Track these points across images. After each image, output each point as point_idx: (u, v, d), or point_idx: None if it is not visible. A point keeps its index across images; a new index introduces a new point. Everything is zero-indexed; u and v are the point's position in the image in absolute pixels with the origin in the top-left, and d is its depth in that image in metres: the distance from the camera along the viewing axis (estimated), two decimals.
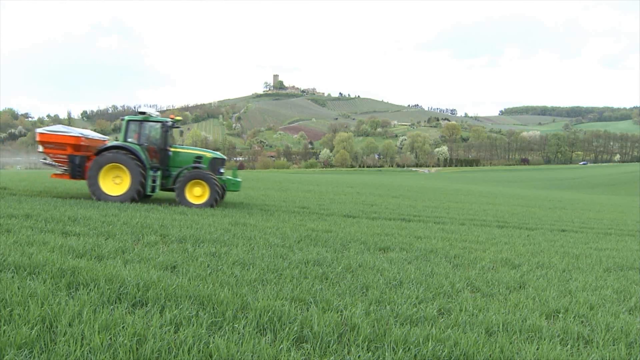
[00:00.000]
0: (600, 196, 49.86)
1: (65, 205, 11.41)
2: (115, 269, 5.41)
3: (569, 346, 4.24)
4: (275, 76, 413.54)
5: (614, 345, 4.35)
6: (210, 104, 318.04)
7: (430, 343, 3.94)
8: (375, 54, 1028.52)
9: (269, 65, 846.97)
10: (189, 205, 12.95)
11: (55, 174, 14.23)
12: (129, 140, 13.69)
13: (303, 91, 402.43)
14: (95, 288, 4.67)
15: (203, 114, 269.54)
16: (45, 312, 3.93)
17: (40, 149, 13.70)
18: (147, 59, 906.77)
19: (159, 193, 15.94)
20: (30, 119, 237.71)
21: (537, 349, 4.07)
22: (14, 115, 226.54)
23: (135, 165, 13.05)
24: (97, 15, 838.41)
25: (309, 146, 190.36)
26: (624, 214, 23.60)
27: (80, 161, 13.51)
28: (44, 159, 14.19)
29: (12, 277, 4.91)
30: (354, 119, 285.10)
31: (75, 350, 3.34)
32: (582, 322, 5.02)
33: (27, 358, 3.27)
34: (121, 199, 12.96)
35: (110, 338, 3.58)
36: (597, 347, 4.26)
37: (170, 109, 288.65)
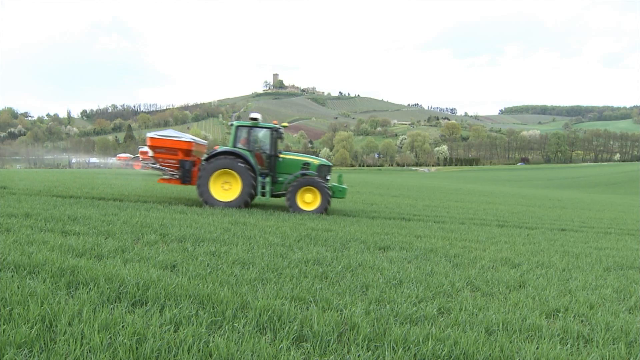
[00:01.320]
0: (600, 195, 49.85)
1: (65, 204, 11.40)
2: (115, 268, 5.41)
3: (568, 345, 4.24)
4: (275, 75, 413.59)
5: (613, 344, 4.35)
6: (210, 103, 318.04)
7: (430, 342, 3.94)
8: (376, 54, 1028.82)
9: (269, 64, 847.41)
10: (300, 211, 13.06)
11: (163, 179, 14.28)
12: (238, 146, 13.68)
13: (303, 90, 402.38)
14: (95, 287, 4.67)
15: (203, 113, 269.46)
16: (45, 312, 3.93)
17: (150, 153, 13.75)
18: (147, 58, 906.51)
19: (152, 193, 15.93)
20: (29, 118, 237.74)
21: (537, 348, 4.07)
22: (13, 114, 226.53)
23: (247, 171, 13.06)
24: (97, 15, 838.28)
25: (309, 145, 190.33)
26: (623, 213, 23.60)
27: (190, 166, 13.62)
28: (153, 163, 14.19)
29: (12, 276, 4.91)
30: (353, 118, 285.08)
31: (75, 350, 3.34)
32: (581, 321, 5.02)
33: (26, 357, 3.26)
34: (232, 204, 12.97)
35: (110, 337, 3.57)
36: (597, 347, 4.26)
37: (169, 108, 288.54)
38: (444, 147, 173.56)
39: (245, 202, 13.12)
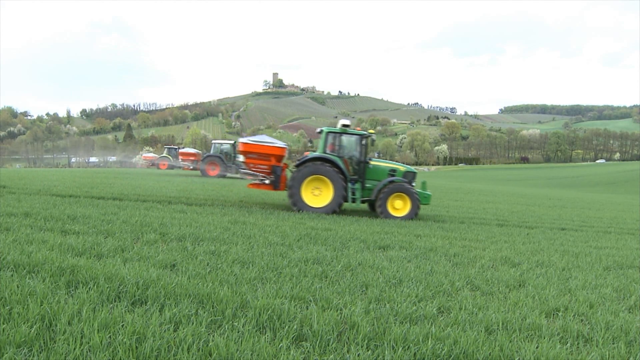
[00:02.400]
0: (600, 194, 49.88)
1: (65, 203, 11.40)
2: (115, 268, 5.41)
3: (568, 345, 4.24)
4: (275, 74, 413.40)
5: (613, 343, 4.35)
6: (210, 102, 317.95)
7: (429, 341, 3.94)
8: (376, 53, 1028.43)
9: (269, 64, 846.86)
10: (391, 217, 13.17)
11: (253, 184, 14.30)
12: (328, 152, 13.76)
13: (303, 89, 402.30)
14: (95, 286, 4.67)
15: (202, 112, 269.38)
16: (45, 311, 3.92)
17: (241, 158, 13.79)
18: (147, 57, 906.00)
19: (152, 193, 15.92)
20: (29, 118, 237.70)
21: (537, 348, 4.07)
22: (13, 113, 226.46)
23: (339, 177, 13.16)
24: (97, 14, 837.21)
25: (309, 144, 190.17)
26: (623, 213, 23.61)
27: (280, 172, 13.75)
28: (243, 168, 14.26)
29: (12, 275, 4.91)
30: (353, 117, 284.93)
31: (74, 349, 3.33)
32: (581, 320, 5.02)
33: (26, 356, 3.26)
34: (323, 210, 13.07)
35: (110, 336, 3.57)
36: (597, 346, 4.27)
37: (169, 107, 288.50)
38: (444, 147, 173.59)
39: (335, 209, 13.27)
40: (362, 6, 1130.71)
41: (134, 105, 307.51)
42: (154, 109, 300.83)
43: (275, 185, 13.75)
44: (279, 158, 13.77)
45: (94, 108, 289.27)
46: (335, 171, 13.17)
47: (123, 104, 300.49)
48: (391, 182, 13.55)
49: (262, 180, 13.96)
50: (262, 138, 14.11)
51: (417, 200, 13.40)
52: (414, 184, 14.22)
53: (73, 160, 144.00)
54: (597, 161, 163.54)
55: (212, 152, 35.61)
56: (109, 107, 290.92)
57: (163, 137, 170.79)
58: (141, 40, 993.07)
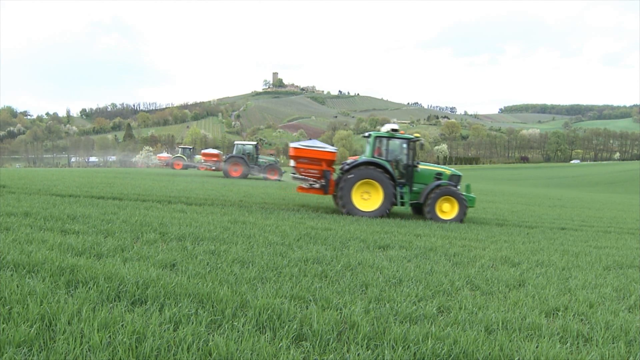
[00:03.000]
0: (600, 194, 49.88)
1: (64, 203, 11.40)
2: (115, 267, 5.41)
3: (568, 344, 4.24)
4: (275, 74, 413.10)
5: (613, 343, 4.35)
6: (210, 102, 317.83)
7: (429, 341, 3.94)
8: (376, 52, 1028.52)
9: (269, 63, 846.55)
10: (439, 220, 13.32)
11: (303, 188, 14.42)
12: (377, 156, 13.92)
13: (302, 89, 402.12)
14: (95, 286, 4.67)
15: (202, 112, 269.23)
16: (45, 311, 3.92)
17: (292, 163, 13.94)
18: (147, 57, 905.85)
19: (151, 192, 15.92)
20: (29, 117, 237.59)
21: (537, 347, 4.07)
22: (12, 113, 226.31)
23: (388, 181, 13.34)
24: (97, 14, 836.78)
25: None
26: (623, 212, 23.62)
27: (330, 176, 13.90)
28: (293, 173, 14.35)
29: (11, 275, 4.90)
30: (353, 117, 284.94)
31: (74, 349, 3.33)
32: (581, 320, 5.02)
33: (26, 356, 3.26)
34: (373, 214, 13.22)
35: (110, 336, 3.57)
36: (597, 345, 4.27)
37: (169, 107, 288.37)
38: (444, 146, 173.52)
39: (386, 211, 13.41)
40: (363, 6, 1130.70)
41: (133, 105, 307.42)
42: (153, 108, 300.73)
43: (325, 190, 13.97)
44: (330, 163, 13.96)
45: (94, 108, 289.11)
46: (385, 175, 13.39)
47: (123, 104, 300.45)
48: (439, 185, 13.76)
49: (312, 184, 14.15)
50: (313, 143, 14.33)
51: (465, 204, 13.63)
52: (458, 187, 14.40)
53: (73, 160, 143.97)
54: (572, 161, 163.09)
55: (234, 152, 35.53)
56: (109, 107, 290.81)
57: (163, 136, 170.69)
58: (141, 40, 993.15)
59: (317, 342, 3.83)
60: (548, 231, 13.10)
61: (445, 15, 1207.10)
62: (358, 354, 3.65)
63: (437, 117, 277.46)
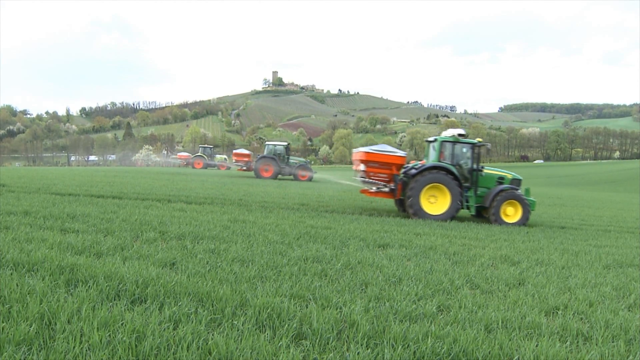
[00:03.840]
0: (599, 193, 49.90)
1: (64, 202, 11.39)
2: (114, 266, 5.40)
3: (568, 343, 4.24)
4: (275, 73, 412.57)
5: (613, 342, 4.35)
6: (209, 100, 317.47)
7: (429, 340, 3.94)
8: (376, 51, 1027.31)
9: (269, 62, 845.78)
10: (504, 223, 13.59)
11: (370, 192, 14.56)
12: (443, 160, 14.13)
13: (302, 88, 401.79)
14: (94, 285, 4.67)
15: (202, 110, 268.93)
16: (44, 309, 3.92)
17: (362, 167, 14.09)
18: (147, 56, 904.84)
19: (151, 192, 15.91)
20: (28, 116, 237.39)
21: (537, 346, 4.07)
22: (12, 112, 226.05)
23: (456, 185, 13.57)
24: (97, 13, 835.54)
25: (308, 143, 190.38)
26: (623, 211, 23.63)
27: (399, 180, 14.11)
28: (362, 176, 14.47)
29: (11, 274, 4.90)
30: (353, 115, 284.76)
31: (74, 347, 3.33)
32: (581, 319, 5.02)
33: (26, 355, 3.26)
34: (441, 217, 13.44)
35: (109, 335, 3.57)
36: (596, 344, 4.27)
37: (169, 106, 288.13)
38: None
39: (453, 215, 13.63)
40: (363, 5, 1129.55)
41: (133, 104, 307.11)
42: (153, 107, 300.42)
43: (395, 194, 14.18)
44: (399, 167, 14.20)
45: (94, 106, 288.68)
46: (452, 180, 13.62)
47: (122, 103, 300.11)
48: (503, 189, 13.97)
49: (380, 188, 14.33)
50: (384, 147, 14.54)
51: (529, 208, 13.85)
52: (519, 191, 14.57)
53: (72, 158, 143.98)
54: (535, 161, 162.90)
55: (265, 153, 35.60)
56: (109, 106, 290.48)
57: (163, 135, 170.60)
58: (141, 39, 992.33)
59: (317, 340, 3.83)
60: (548, 230, 13.11)
61: (445, 14, 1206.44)
62: (358, 353, 3.65)
63: (437, 116, 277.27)
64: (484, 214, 14.24)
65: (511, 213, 13.86)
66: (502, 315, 4.75)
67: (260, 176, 34.06)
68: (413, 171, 13.84)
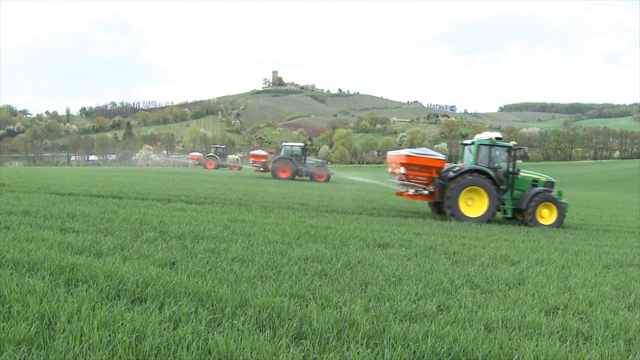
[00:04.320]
0: (599, 193, 49.90)
1: (64, 202, 11.39)
2: (114, 266, 5.41)
3: (568, 342, 4.24)
4: (275, 72, 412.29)
5: (613, 341, 4.35)
6: (209, 100, 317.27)
7: (429, 339, 3.94)
8: (376, 51, 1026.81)
9: (268, 62, 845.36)
10: (539, 225, 13.70)
11: (407, 194, 14.76)
12: (480, 163, 14.29)
13: (302, 87, 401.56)
14: (94, 285, 4.67)
15: (202, 110, 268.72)
16: (44, 309, 3.92)
17: (402, 169, 14.19)
18: (147, 55, 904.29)
19: (151, 191, 15.91)
20: (28, 116, 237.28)
21: (537, 346, 4.07)
22: (12, 111, 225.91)
23: (494, 188, 13.76)
24: (97, 13, 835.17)
25: (309, 143, 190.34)
26: (623, 211, 23.62)
27: (439, 183, 14.24)
28: (400, 179, 14.56)
29: (11, 273, 4.91)
30: (353, 115, 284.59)
31: (74, 347, 3.33)
32: (581, 318, 5.02)
33: (26, 354, 3.26)
34: (479, 220, 13.62)
35: (109, 334, 3.57)
36: (596, 344, 4.27)
37: (169, 105, 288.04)
38: (444, 145, 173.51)
39: (491, 217, 13.82)
40: (363, 5, 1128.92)
41: (133, 104, 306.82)
42: (153, 107, 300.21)
43: (434, 196, 14.32)
44: (439, 170, 14.33)
45: (94, 106, 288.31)
46: (490, 183, 13.81)
47: (122, 102, 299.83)
48: (539, 192, 14.12)
49: (420, 191, 14.48)
50: (424, 151, 14.65)
51: (564, 210, 14.05)
52: (553, 193, 14.72)
53: (72, 158, 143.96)
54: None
55: (282, 154, 35.63)
56: (109, 106, 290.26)
57: (162, 135, 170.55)
58: (141, 39, 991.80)
59: (317, 340, 3.84)
60: (547, 230, 13.11)
61: (445, 13, 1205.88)
62: (358, 353, 3.65)
63: (437, 116, 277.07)
64: (518, 216, 14.39)
65: (546, 215, 14.06)
66: (502, 315, 4.75)
67: (277, 177, 34.05)
68: (451, 174, 14.05)
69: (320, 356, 3.60)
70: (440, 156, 14.33)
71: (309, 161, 36.03)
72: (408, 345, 3.86)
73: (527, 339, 4.24)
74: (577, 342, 4.33)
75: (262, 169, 40.31)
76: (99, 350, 3.33)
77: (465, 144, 15.09)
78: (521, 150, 14.66)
